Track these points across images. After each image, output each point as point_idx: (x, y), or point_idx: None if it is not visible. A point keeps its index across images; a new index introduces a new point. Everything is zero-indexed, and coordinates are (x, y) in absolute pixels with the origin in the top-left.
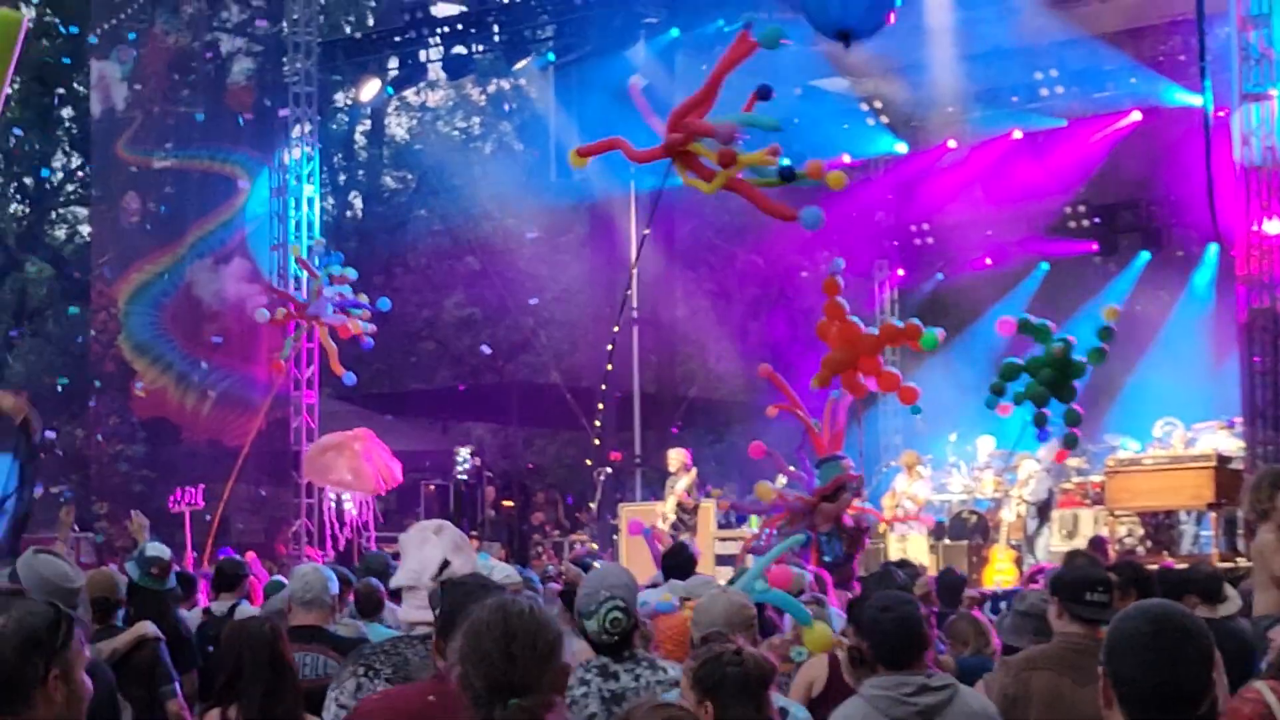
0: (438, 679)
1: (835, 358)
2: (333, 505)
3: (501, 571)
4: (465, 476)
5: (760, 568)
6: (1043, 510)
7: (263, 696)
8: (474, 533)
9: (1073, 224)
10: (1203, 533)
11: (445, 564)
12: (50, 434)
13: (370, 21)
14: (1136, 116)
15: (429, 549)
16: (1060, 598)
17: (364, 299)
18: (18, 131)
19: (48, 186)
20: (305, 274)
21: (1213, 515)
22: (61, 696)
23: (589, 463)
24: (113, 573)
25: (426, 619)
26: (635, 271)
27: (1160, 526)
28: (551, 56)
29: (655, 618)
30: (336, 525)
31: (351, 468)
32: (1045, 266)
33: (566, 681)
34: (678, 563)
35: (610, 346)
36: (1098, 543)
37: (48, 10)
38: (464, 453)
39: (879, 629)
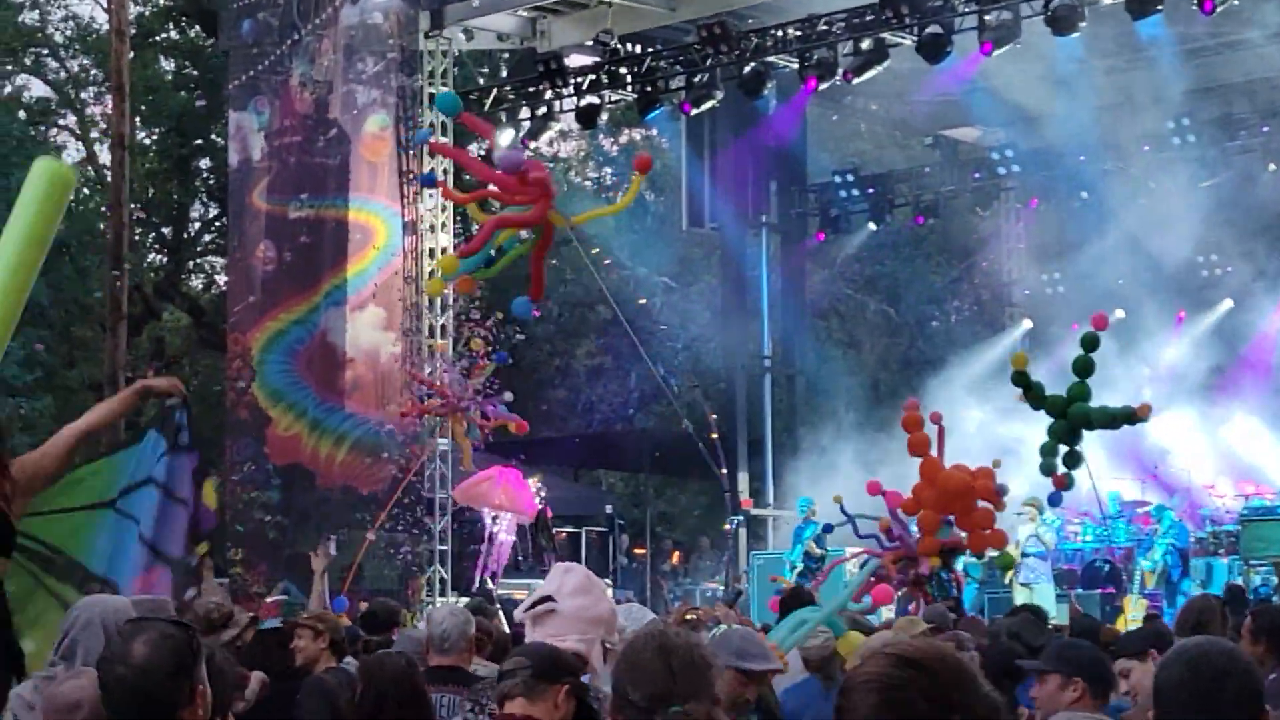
0: None
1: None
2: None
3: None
4: (610, 522)
5: (851, 591)
6: (1184, 558)
7: None
8: (607, 580)
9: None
10: None
11: (545, 599)
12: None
13: (503, 72)
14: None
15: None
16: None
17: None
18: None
19: (185, 236)
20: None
21: None
22: (203, 711)
23: (726, 525)
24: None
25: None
26: (766, 319)
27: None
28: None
29: None
30: (481, 565)
31: (505, 495)
32: None
33: (713, 689)
34: (798, 604)
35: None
36: (1234, 591)
37: (186, 63)
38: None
39: None
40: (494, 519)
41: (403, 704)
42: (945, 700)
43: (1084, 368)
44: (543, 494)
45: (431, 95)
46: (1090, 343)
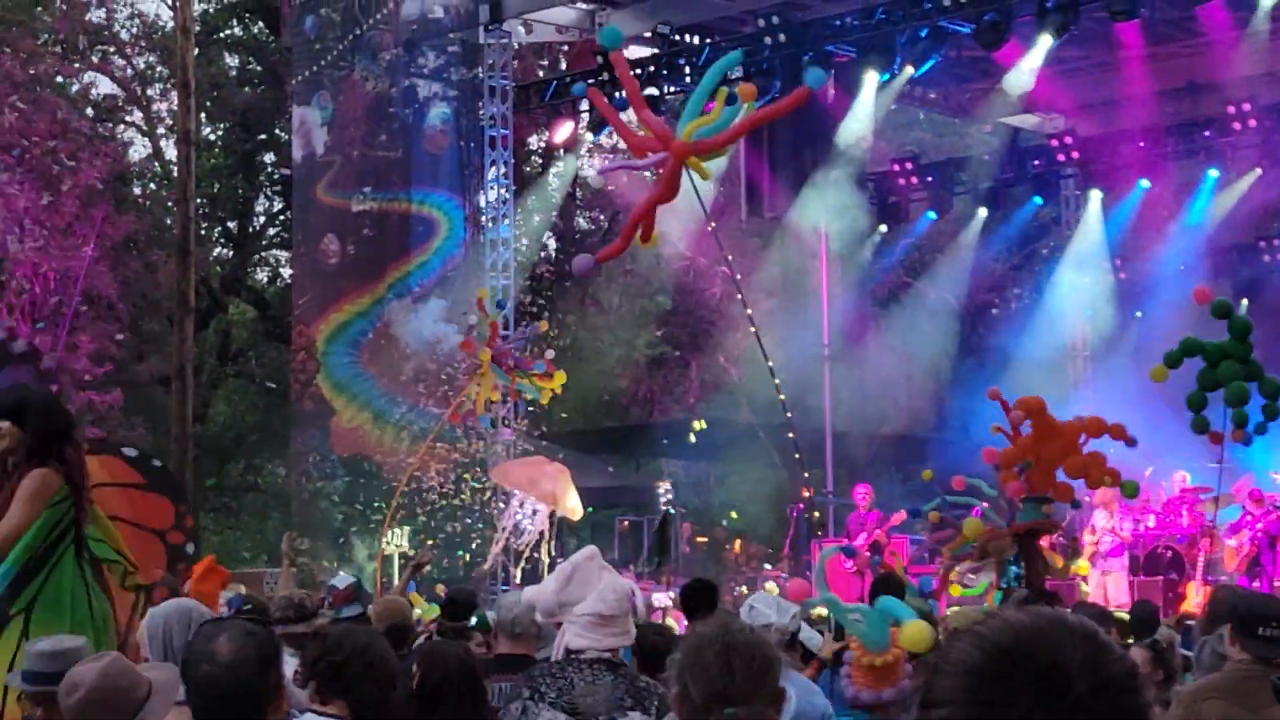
0: None
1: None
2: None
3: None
4: (669, 509)
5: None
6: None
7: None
8: (668, 566)
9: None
10: None
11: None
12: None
13: (563, 64)
14: None
15: (608, 575)
16: (1234, 628)
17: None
18: None
19: (250, 230)
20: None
21: None
22: (285, 706)
23: (806, 500)
24: (404, 603)
25: (592, 644)
26: (826, 308)
27: None
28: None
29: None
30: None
31: (555, 486)
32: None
33: (782, 702)
34: (888, 588)
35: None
36: None
37: (249, 59)
38: (664, 486)
39: None
40: (520, 504)
41: (461, 695)
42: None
43: (1243, 328)
44: (669, 496)
45: (491, 88)
46: (1222, 309)
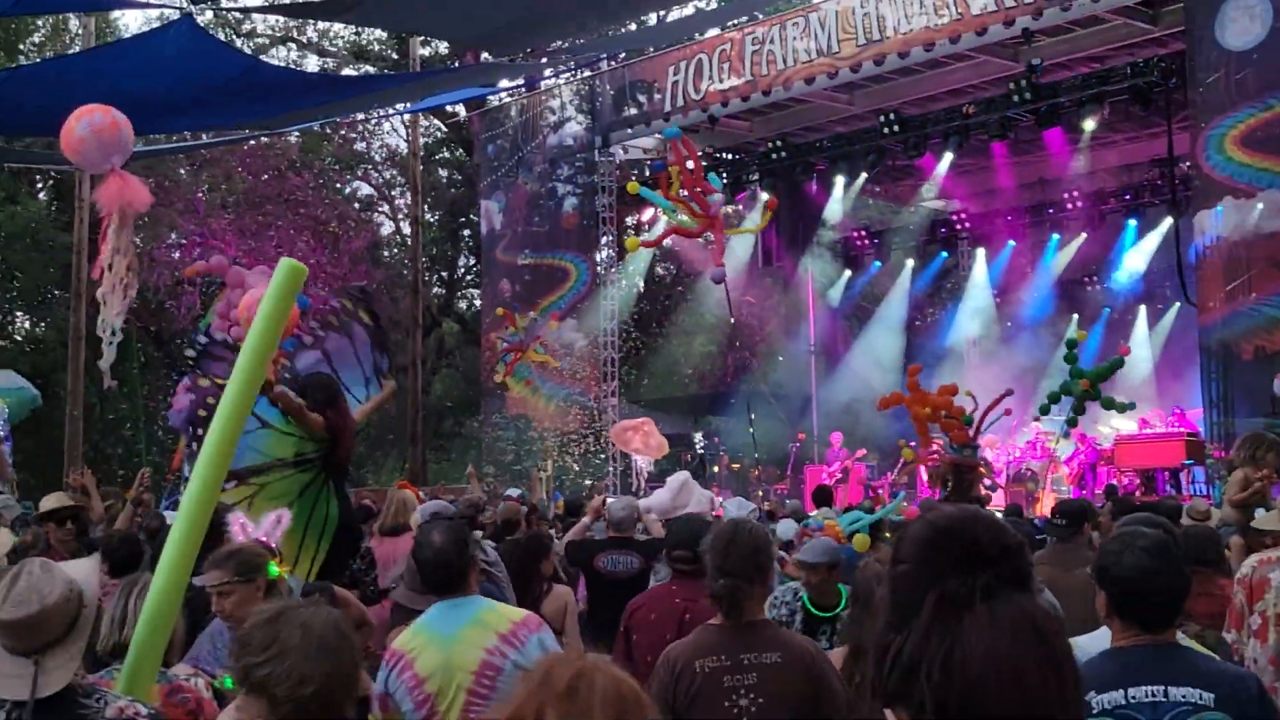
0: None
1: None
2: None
3: (741, 506)
4: (703, 451)
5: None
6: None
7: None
8: (714, 485)
9: None
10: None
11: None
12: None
13: (646, 172)
14: None
15: (699, 489)
16: (1049, 521)
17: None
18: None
19: (454, 277)
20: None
21: (1184, 471)
22: (476, 574)
23: (800, 441)
24: (516, 506)
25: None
26: (812, 323)
27: (1150, 478)
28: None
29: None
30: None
31: (643, 441)
32: None
33: (768, 576)
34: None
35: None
36: (1111, 489)
37: (455, 171)
38: (698, 436)
39: None
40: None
41: (530, 578)
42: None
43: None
44: (704, 442)
45: (602, 188)
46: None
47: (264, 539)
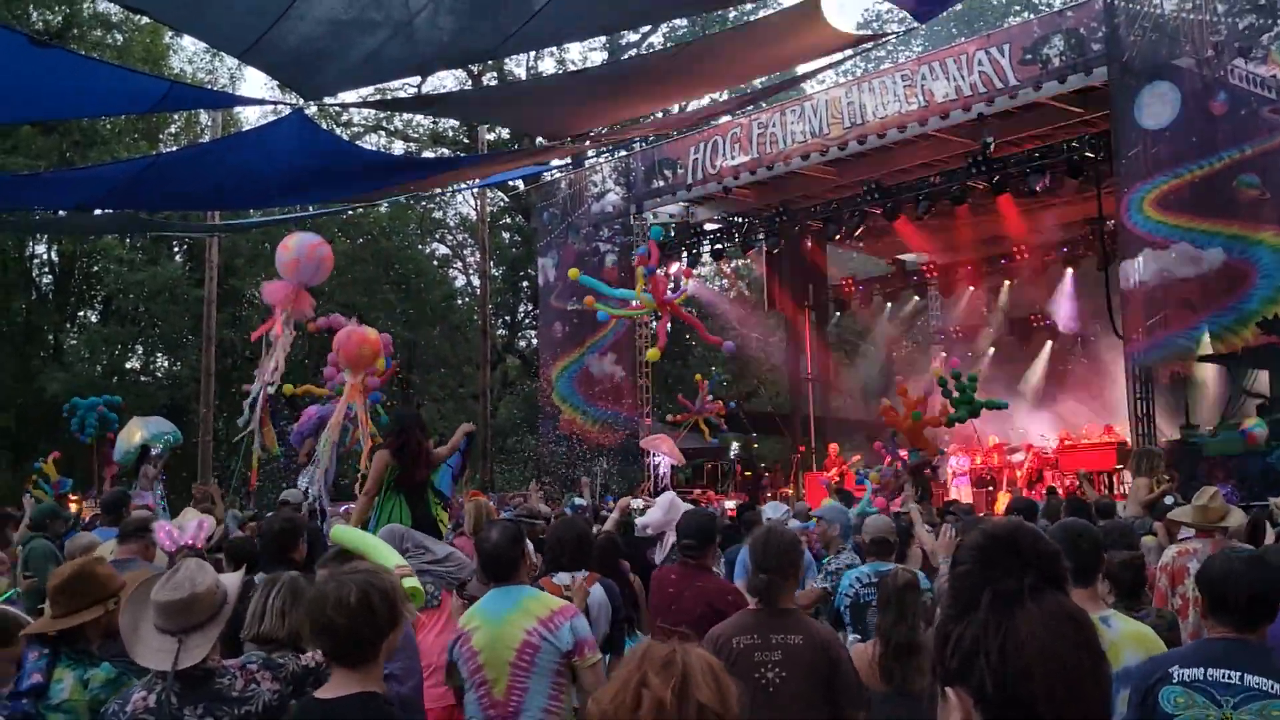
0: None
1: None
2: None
3: (776, 509)
4: (734, 457)
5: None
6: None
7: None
8: (724, 488)
9: None
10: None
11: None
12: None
13: (673, 234)
14: None
15: (682, 505)
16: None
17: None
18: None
19: (515, 320)
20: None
21: (1115, 474)
22: (528, 564)
23: (801, 452)
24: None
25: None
26: (809, 354)
27: (1092, 480)
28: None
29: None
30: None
31: (668, 449)
32: None
33: (799, 570)
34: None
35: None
36: (1051, 490)
37: (515, 234)
38: (734, 445)
39: None
40: (654, 455)
41: (575, 555)
42: None
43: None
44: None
45: (637, 247)
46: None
47: (191, 542)
